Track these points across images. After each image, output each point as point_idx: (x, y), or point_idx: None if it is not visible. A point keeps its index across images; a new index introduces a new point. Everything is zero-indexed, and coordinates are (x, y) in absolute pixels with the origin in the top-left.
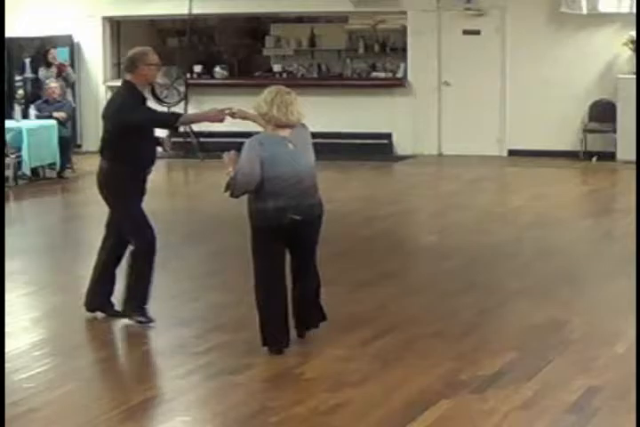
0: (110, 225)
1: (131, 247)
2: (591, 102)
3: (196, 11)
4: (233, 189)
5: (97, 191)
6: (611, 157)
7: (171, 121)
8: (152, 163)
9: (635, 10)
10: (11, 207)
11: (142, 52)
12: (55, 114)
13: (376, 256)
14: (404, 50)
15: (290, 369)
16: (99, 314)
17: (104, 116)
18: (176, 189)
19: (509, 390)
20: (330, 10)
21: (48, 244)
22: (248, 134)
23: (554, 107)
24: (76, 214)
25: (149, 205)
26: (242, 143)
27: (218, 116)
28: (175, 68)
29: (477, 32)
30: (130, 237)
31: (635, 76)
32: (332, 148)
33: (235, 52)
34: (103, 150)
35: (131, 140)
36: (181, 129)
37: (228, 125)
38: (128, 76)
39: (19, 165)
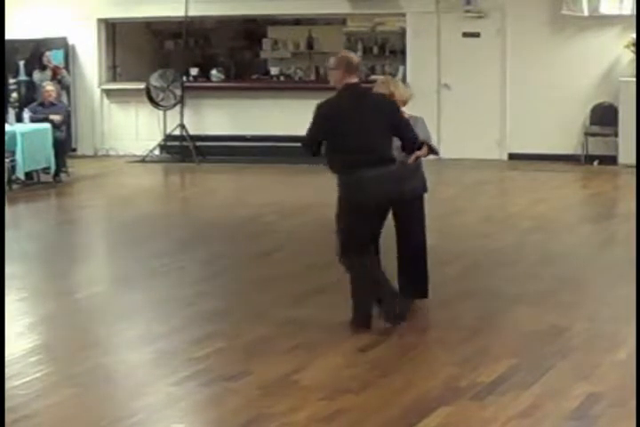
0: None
1: None
2: (592, 105)
3: (192, 13)
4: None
5: (92, 195)
6: (612, 160)
7: None
8: None
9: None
10: (5, 212)
11: None
12: (52, 116)
13: None
14: (403, 52)
15: (287, 376)
16: None
17: (385, 115)
18: (172, 192)
19: (509, 396)
20: (328, 12)
21: (42, 249)
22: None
23: (555, 110)
24: (70, 219)
25: (146, 209)
26: (238, 146)
27: None
28: (171, 70)
29: (477, 34)
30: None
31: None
32: None
33: (231, 54)
34: (386, 152)
35: None
36: (177, 132)
37: (225, 129)
38: (355, 79)
39: (13, 168)
